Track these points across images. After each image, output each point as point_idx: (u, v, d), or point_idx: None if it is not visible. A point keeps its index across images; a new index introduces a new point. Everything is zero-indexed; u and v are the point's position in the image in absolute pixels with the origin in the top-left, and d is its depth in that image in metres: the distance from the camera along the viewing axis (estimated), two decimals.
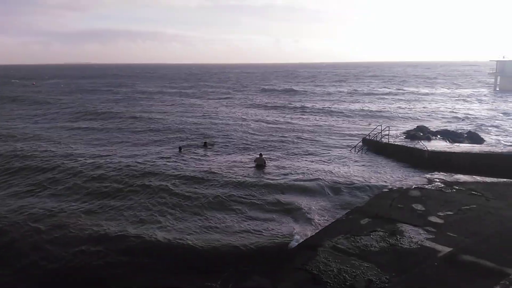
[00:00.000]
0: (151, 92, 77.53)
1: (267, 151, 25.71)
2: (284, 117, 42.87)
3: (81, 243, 12.10)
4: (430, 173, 17.85)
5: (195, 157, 24.45)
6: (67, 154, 24.71)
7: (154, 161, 22.77)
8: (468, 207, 12.99)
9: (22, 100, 62.95)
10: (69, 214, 14.64)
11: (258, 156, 22.58)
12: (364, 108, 49.48)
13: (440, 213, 12.50)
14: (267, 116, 43.55)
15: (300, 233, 12.12)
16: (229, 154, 25.40)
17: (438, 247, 10.08)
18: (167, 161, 22.90)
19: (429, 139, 26.22)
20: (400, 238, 10.65)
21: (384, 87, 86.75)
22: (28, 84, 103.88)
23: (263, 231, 12.75)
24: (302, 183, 18.28)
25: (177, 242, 12.05)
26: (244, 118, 41.45)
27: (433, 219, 12.09)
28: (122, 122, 39.29)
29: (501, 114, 41.99)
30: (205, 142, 28.47)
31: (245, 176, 19.54)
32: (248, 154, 24.87)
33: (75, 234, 12.78)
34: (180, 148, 26.62)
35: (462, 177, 16.87)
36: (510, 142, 27.55)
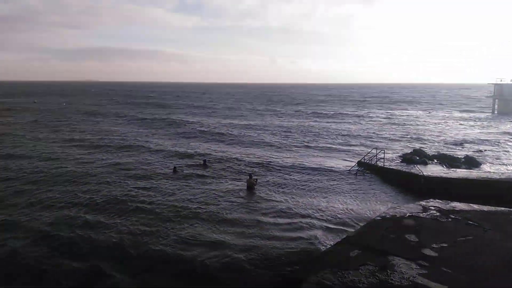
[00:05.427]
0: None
1: (261, 171, 25.17)
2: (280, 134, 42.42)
3: None
4: (426, 200, 17.10)
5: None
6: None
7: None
8: (464, 238, 12.22)
9: None
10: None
11: (248, 177, 22.02)
12: (358, 131, 49.01)
13: (435, 245, 11.74)
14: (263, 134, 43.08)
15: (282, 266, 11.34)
16: (225, 176, 24.81)
17: (432, 284, 9.31)
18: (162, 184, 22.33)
19: (425, 164, 25.61)
20: (391, 273, 9.88)
21: (380, 109, 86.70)
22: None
23: (246, 264, 11.99)
24: (289, 207, 17.63)
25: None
26: (239, 137, 41.04)
27: (427, 251, 11.33)
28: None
29: (499, 138, 41.57)
30: (204, 160, 27.84)
31: (237, 197, 19.24)
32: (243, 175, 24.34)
33: None
34: (174, 168, 25.83)
35: (459, 205, 16.13)
36: (508, 168, 26.95)
